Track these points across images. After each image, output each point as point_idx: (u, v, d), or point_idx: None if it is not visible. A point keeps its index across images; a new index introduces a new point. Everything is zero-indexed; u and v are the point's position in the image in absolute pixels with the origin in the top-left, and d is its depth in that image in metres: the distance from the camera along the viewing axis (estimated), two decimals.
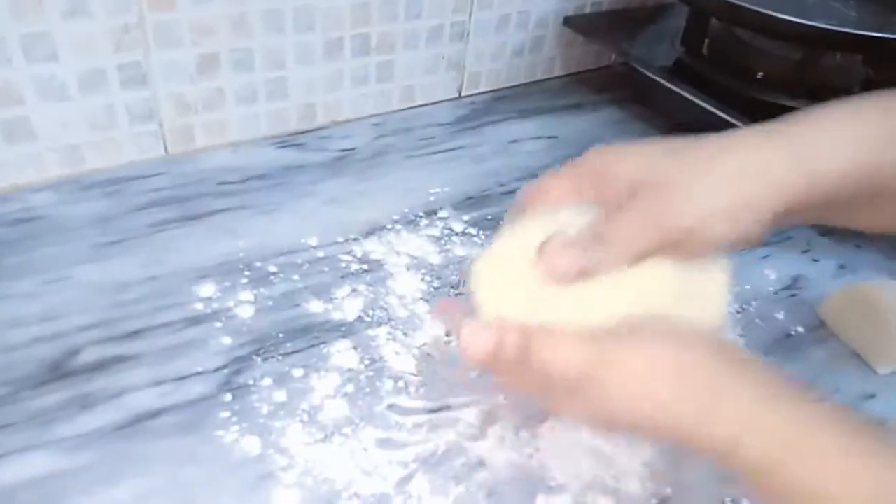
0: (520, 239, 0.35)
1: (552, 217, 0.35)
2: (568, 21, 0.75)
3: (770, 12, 0.57)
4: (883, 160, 0.32)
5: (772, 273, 0.55)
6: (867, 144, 0.32)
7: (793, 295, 0.54)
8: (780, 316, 0.51)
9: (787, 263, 0.56)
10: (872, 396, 0.46)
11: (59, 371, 0.41)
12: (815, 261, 0.57)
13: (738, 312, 0.51)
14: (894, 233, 0.38)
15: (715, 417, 0.28)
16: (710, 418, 0.28)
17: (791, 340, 0.50)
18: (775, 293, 0.54)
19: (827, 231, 0.60)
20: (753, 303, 0.52)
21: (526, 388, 0.33)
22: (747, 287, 0.53)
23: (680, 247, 0.32)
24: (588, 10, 0.77)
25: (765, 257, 0.57)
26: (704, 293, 0.34)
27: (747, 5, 0.58)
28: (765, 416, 0.28)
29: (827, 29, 0.56)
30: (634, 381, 0.29)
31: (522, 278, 0.33)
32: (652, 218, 0.32)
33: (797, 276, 0.55)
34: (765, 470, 0.27)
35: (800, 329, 0.51)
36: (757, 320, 0.51)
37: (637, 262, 0.32)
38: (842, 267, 0.57)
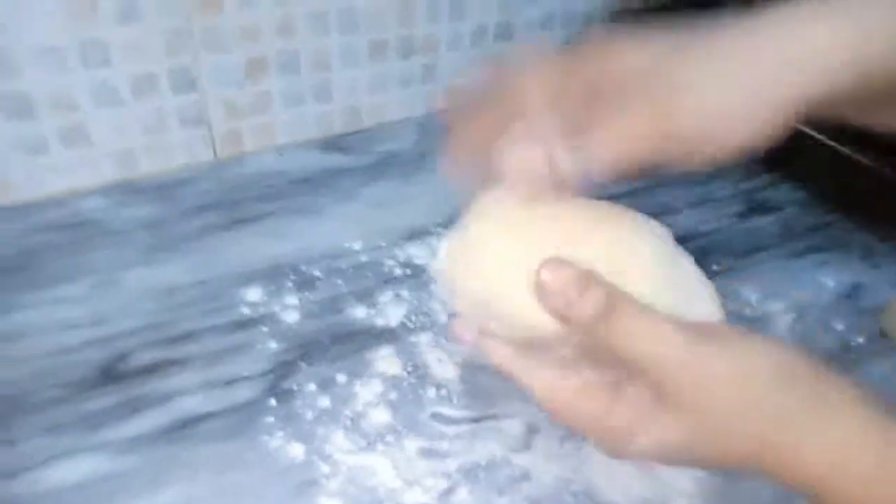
0: (493, 214, 0.31)
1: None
2: (615, 17, 0.73)
3: None
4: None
5: (829, 280, 0.53)
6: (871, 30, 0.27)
7: (853, 304, 0.51)
8: (839, 326, 0.49)
9: (845, 270, 0.54)
10: None
11: (108, 374, 0.41)
12: (876, 267, 0.55)
13: (795, 322, 0.49)
14: None
15: (814, 439, 0.26)
16: (809, 438, 0.26)
17: (851, 352, 0.48)
18: (835, 301, 0.51)
19: (887, 236, 0.57)
20: (810, 312, 0.50)
21: (602, 430, 0.29)
22: (804, 295, 0.51)
23: (680, 153, 0.28)
24: (637, 5, 0.75)
25: (822, 264, 0.55)
26: (692, 286, 0.31)
27: None
28: (863, 451, 0.25)
29: None
30: (722, 381, 0.26)
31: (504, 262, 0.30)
32: (649, 115, 0.28)
33: (857, 283, 0.53)
34: None
35: (860, 340, 0.48)
36: (814, 331, 0.49)
37: (623, 171, 0.28)
38: None
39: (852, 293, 0.52)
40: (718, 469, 0.33)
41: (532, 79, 0.31)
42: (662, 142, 0.28)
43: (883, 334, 0.49)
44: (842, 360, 0.47)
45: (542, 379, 0.30)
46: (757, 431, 0.26)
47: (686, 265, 0.32)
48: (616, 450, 0.29)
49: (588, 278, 0.27)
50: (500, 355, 0.31)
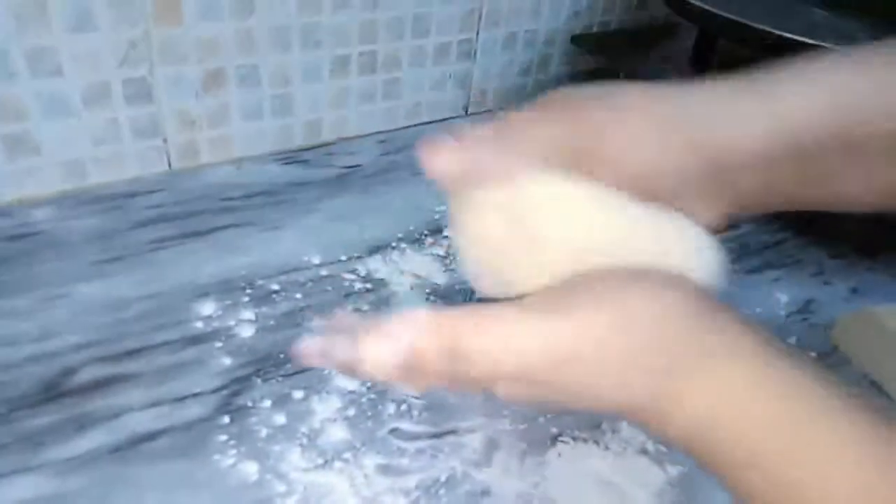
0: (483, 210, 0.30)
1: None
2: (576, 40, 0.75)
3: (779, 32, 0.56)
4: (863, 112, 0.28)
5: (783, 296, 0.54)
6: (846, 94, 0.28)
7: (804, 319, 0.52)
8: (792, 341, 0.50)
9: (798, 287, 0.55)
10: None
11: (53, 391, 0.40)
12: (828, 284, 0.56)
13: None
14: (867, 209, 0.32)
15: (690, 384, 0.25)
16: (683, 385, 0.25)
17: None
18: (787, 317, 0.52)
19: (839, 254, 0.59)
20: (764, 327, 0.51)
21: (456, 385, 0.28)
22: (758, 311, 0.52)
23: (593, 171, 0.28)
24: (596, 28, 0.77)
25: (775, 280, 0.56)
26: (689, 242, 0.30)
27: (756, 25, 0.57)
28: (754, 391, 0.24)
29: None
30: (590, 356, 0.25)
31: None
32: (571, 123, 0.28)
33: (809, 299, 0.54)
34: (742, 462, 0.24)
35: (812, 354, 0.49)
36: None
37: (536, 174, 0.28)
38: (854, 290, 0.56)
39: (804, 308, 0.53)
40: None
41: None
42: (582, 146, 0.28)
43: (835, 348, 0.50)
44: None
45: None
46: (638, 380, 0.25)
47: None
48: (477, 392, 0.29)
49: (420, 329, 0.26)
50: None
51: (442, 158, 0.28)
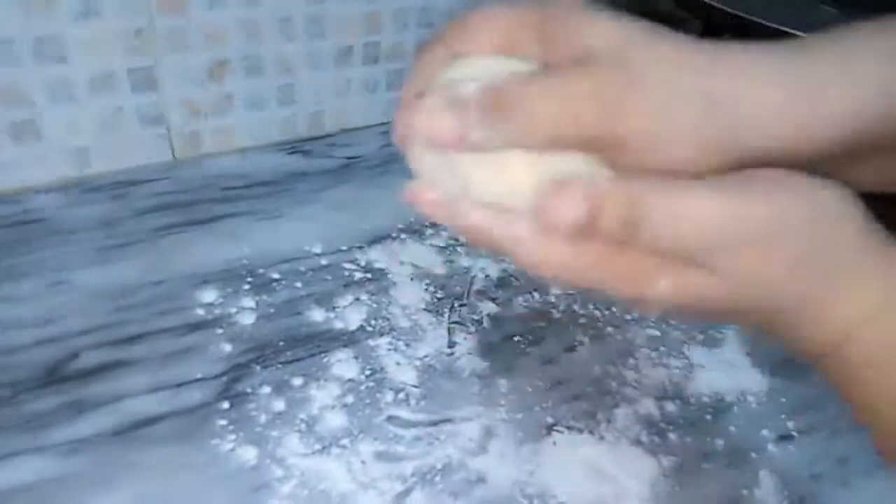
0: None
1: (482, 67, 0.26)
2: None
3: (786, 28, 0.56)
4: None
5: None
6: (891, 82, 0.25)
7: None
8: None
9: None
10: None
11: (57, 375, 0.40)
12: None
13: (747, 339, 0.50)
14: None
15: (849, 288, 0.24)
16: (843, 288, 0.24)
17: (802, 361, 0.49)
18: None
19: None
20: None
21: (617, 277, 0.25)
22: None
23: (614, 153, 0.25)
24: None
25: None
26: None
27: (761, 21, 0.57)
28: None
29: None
30: (771, 237, 0.23)
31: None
32: (593, 98, 0.23)
33: None
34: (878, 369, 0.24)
35: None
36: (765, 343, 0.50)
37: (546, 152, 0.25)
38: None
39: None
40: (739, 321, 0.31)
41: (484, 19, 0.27)
42: (607, 130, 0.24)
43: None
44: (792, 365, 0.48)
45: (530, 230, 0.25)
46: (795, 281, 0.24)
47: None
48: (634, 291, 0.25)
49: (600, 189, 0.23)
50: (476, 214, 0.26)
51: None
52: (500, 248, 0.26)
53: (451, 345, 0.45)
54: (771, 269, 0.24)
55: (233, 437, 0.38)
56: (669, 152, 0.24)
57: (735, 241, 0.24)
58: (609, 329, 0.48)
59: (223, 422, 0.39)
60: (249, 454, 0.38)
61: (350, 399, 0.41)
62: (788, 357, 0.48)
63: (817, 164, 0.26)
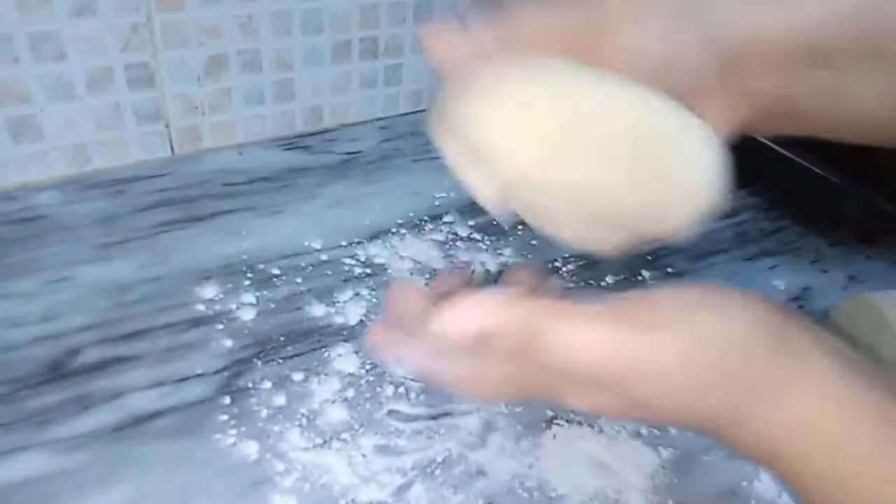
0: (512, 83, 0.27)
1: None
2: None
3: None
4: (889, 17, 0.26)
5: (780, 284, 0.55)
6: None
7: (801, 306, 0.53)
8: None
9: (795, 274, 0.56)
10: None
11: (58, 371, 0.40)
12: (825, 272, 0.56)
13: None
14: (876, 137, 0.30)
15: (759, 412, 0.24)
16: (750, 413, 0.24)
17: None
18: (784, 304, 0.53)
19: (838, 241, 0.59)
20: None
21: (521, 386, 0.27)
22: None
23: (600, 64, 0.26)
24: None
25: (772, 268, 0.56)
26: (694, 141, 0.28)
27: None
28: (828, 413, 0.24)
29: None
30: (668, 373, 0.24)
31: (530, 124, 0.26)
32: (576, 13, 0.26)
33: (806, 287, 0.55)
34: (816, 478, 0.24)
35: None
36: None
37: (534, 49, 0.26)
38: (852, 278, 0.56)
39: (802, 296, 0.54)
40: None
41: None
42: (586, 45, 0.25)
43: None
44: None
45: (464, 367, 0.28)
46: (724, 396, 0.25)
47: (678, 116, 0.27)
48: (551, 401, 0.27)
49: (496, 307, 0.25)
50: (414, 353, 0.29)
51: (444, 41, 0.27)
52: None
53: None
54: (671, 395, 0.25)
55: (234, 431, 0.39)
56: (655, 51, 0.25)
57: (632, 373, 0.24)
58: None
59: (224, 417, 0.39)
60: (251, 448, 0.38)
61: (350, 393, 0.41)
62: None
63: (817, 88, 0.27)
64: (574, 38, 0.26)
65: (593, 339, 0.24)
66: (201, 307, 0.46)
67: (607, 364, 0.24)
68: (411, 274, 0.50)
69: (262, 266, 0.49)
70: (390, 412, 0.41)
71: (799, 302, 0.53)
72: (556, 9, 0.26)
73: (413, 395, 0.42)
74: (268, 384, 0.41)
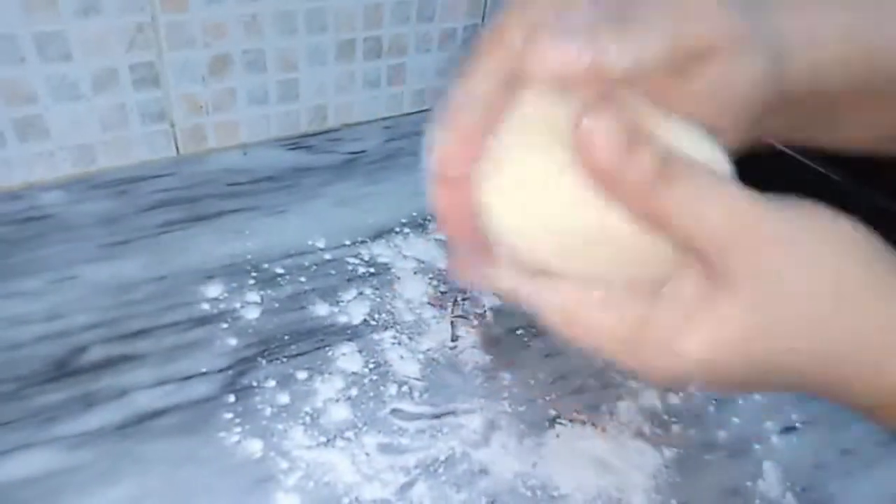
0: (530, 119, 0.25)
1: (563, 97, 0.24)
2: None
3: None
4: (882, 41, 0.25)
5: None
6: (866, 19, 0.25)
7: None
8: None
9: None
10: None
11: (63, 369, 0.41)
12: None
13: None
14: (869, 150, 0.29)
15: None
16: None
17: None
18: None
19: None
20: None
21: (648, 343, 0.23)
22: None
23: (693, 71, 0.24)
24: None
25: None
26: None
27: None
28: None
29: None
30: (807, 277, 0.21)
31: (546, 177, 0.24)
32: (681, 14, 0.23)
33: None
34: None
35: None
36: None
37: (678, 66, 0.23)
38: None
39: None
40: (765, 390, 0.27)
41: None
42: (687, 42, 0.23)
43: None
44: None
45: (562, 293, 0.24)
46: (844, 348, 0.22)
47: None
48: (657, 366, 0.23)
49: (641, 133, 0.21)
50: (509, 277, 0.26)
51: (565, 54, 0.22)
52: (539, 312, 0.25)
53: (455, 338, 0.46)
54: (801, 285, 0.21)
55: (238, 429, 0.39)
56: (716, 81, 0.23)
57: (755, 238, 0.21)
58: None
59: (229, 415, 0.39)
60: (255, 447, 0.38)
61: (354, 392, 0.41)
62: None
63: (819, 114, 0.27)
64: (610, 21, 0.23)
65: (724, 193, 0.21)
66: (206, 306, 0.46)
67: (743, 232, 0.21)
68: (415, 273, 0.51)
69: (266, 265, 0.49)
70: (394, 411, 0.41)
71: None
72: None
73: (416, 394, 0.42)
74: (272, 383, 0.41)
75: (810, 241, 0.22)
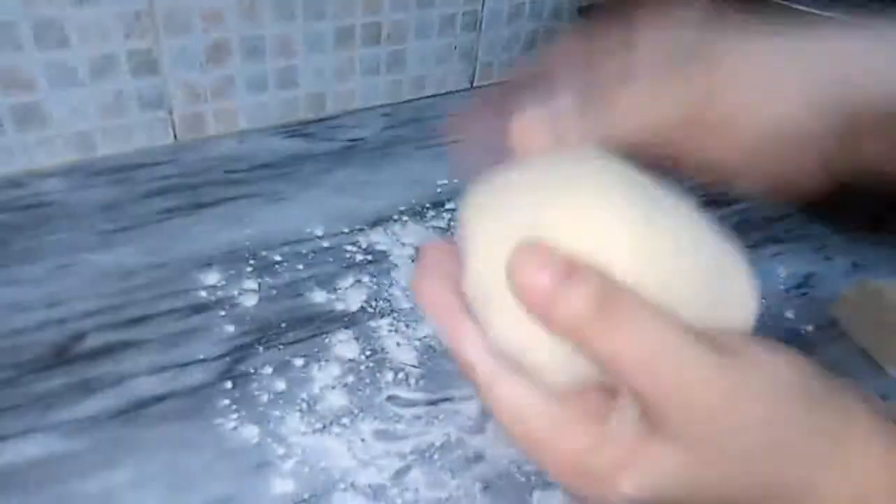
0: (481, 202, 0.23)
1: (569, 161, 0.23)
2: (582, 11, 0.74)
3: (789, 3, 0.55)
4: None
5: (783, 271, 0.54)
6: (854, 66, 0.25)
7: (804, 293, 0.53)
8: (791, 315, 0.50)
9: (799, 261, 0.55)
10: (884, 398, 0.45)
11: (63, 356, 0.41)
12: (829, 259, 0.56)
13: None
14: None
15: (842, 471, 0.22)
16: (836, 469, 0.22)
17: (801, 340, 0.49)
18: (786, 291, 0.53)
19: (841, 229, 0.59)
20: (763, 301, 0.51)
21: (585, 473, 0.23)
22: (758, 284, 0.52)
23: (704, 135, 0.24)
24: None
25: (776, 255, 0.56)
26: (732, 290, 0.24)
27: None
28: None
29: None
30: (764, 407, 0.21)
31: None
32: (680, 86, 0.24)
33: (809, 273, 0.54)
34: None
35: (810, 328, 0.50)
36: (766, 319, 0.50)
37: (642, 145, 0.23)
38: (856, 265, 0.56)
39: (806, 283, 0.54)
40: None
41: (555, 55, 0.27)
42: (692, 119, 0.24)
43: (833, 323, 0.50)
44: (793, 346, 0.48)
45: (518, 398, 0.23)
46: (774, 471, 0.22)
47: (716, 244, 0.24)
48: (596, 492, 0.23)
49: (573, 266, 0.20)
50: (476, 349, 0.23)
51: (529, 126, 0.23)
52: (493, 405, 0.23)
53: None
54: (735, 439, 0.21)
55: (235, 416, 0.39)
56: (773, 109, 0.23)
57: (692, 395, 0.21)
58: None
59: (226, 401, 0.40)
60: (252, 433, 0.38)
61: (350, 379, 0.42)
62: (790, 337, 0.49)
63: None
64: (671, 117, 0.24)
65: (667, 345, 0.21)
66: (204, 293, 0.46)
67: (678, 377, 0.20)
68: (412, 261, 0.51)
69: (264, 253, 0.50)
70: (390, 397, 0.41)
71: (803, 289, 0.53)
72: (652, 83, 0.24)
73: (412, 381, 0.42)
74: (269, 369, 0.42)
75: (754, 397, 0.21)
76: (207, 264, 0.48)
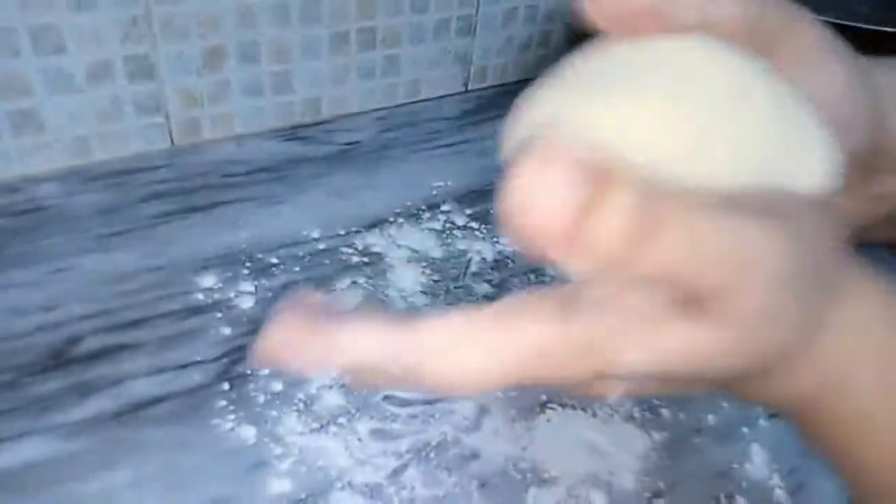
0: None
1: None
2: (577, 15, 0.74)
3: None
4: None
5: None
6: None
7: None
8: None
9: None
10: None
11: (60, 359, 0.41)
12: None
13: None
14: None
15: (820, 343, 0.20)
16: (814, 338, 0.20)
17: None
18: None
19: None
20: None
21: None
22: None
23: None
24: None
25: None
26: (807, 145, 0.21)
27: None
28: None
29: (842, 24, 0.55)
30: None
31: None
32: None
33: None
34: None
35: None
36: None
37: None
38: None
39: None
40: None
41: None
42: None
43: None
44: None
45: None
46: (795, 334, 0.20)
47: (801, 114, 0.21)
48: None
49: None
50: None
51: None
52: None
53: None
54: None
55: (232, 416, 0.39)
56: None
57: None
58: None
59: (223, 402, 0.40)
60: (249, 433, 0.38)
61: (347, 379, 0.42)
62: None
63: None
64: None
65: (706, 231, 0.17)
66: (200, 296, 0.46)
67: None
68: (408, 262, 0.51)
69: (260, 255, 0.50)
70: (386, 397, 0.41)
71: None
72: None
73: None
74: (265, 370, 0.42)
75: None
76: (204, 267, 0.48)
